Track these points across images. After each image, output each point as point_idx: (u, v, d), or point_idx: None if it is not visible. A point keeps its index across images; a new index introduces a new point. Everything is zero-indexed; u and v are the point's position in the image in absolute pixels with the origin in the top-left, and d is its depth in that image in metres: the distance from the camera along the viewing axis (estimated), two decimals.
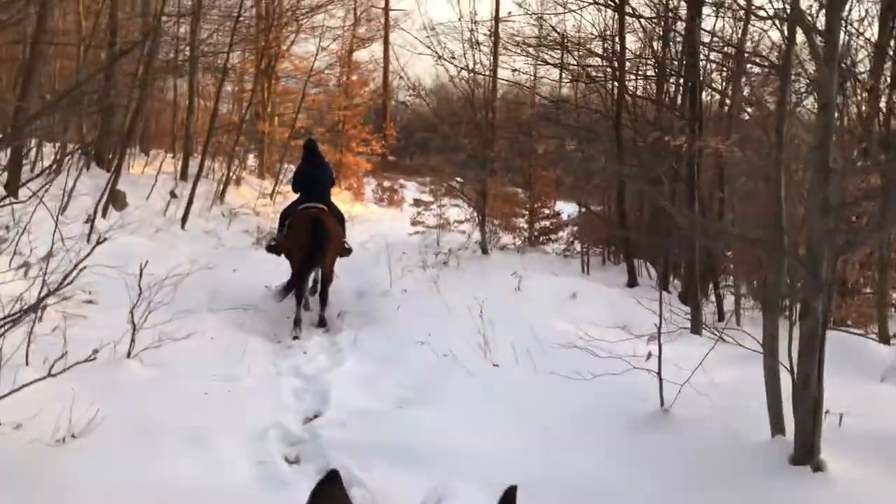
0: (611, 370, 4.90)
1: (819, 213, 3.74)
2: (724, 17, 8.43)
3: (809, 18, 3.90)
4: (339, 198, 17.58)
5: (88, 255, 3.91)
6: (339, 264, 8.77)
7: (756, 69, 7.01)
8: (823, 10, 3.84)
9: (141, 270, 5.68)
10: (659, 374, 4.80)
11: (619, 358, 4.92)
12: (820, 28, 3.94)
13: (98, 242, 3.95)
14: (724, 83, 11.13)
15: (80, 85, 5.53)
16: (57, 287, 3.67)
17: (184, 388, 5.10)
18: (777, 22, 4.20)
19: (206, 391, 5.14)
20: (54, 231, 4.40)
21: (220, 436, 4.46)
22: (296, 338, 7.27)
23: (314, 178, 8.60)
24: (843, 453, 3.83)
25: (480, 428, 4.85)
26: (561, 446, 4.60)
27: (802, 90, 4.41)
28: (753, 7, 4.18)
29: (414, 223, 14.69)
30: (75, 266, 3.75)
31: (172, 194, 14.04)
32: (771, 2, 4.75)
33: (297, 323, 7.50)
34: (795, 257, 3.96)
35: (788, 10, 4.13)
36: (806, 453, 3.80)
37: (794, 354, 4.19)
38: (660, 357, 4.84)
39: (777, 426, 4.17)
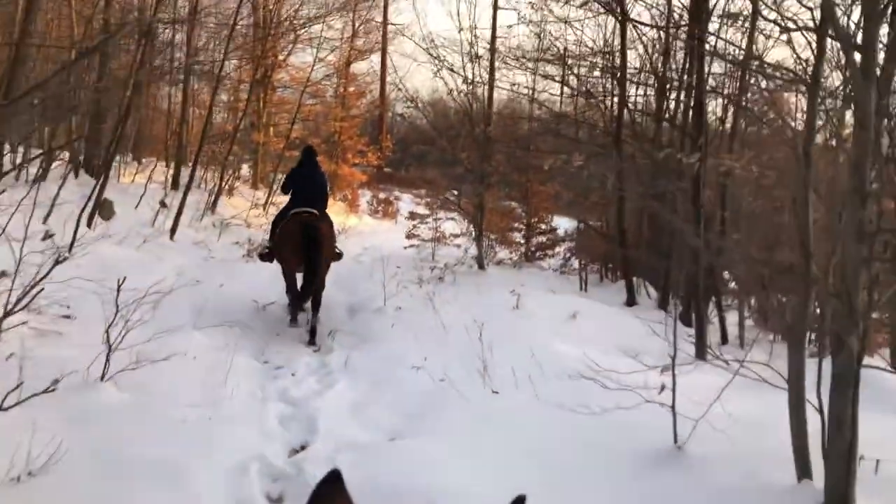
0: (620, 402, 4.57)
1: (854, 240, 3.43)
2: (727, 27, 8.09)
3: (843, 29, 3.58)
4: (334, 209, 17.27)
5: (46, 275, 3.57)
6: (331, 279, 8.44)
7: (764, 83, 6.66)
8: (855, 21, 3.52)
9: (119, 286, 5.31)
10: (673, 407, 4.46)
11: (630, 389, 4.59)
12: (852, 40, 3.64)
13: (57, 262, 3.60)
14: (725, 100, 10.89)
15: (47, 81, 5.19)
16: (6, 313, 3.31)
17: (160, 416, 4.73)
18: (805, 33, 3.89)
19: (184, 418, 4.76)
20: (22, 245, 4.04)
21: (196, 470, 4.09)
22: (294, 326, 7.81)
23: (308, 183, 8.28)
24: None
25: (478, 462, 4.51)
26: (565, 485, 4.26)
27: (822, 106, 4.10)
28: (782, 19, 3.86)
29: (409, 236, 14.41)
30: (31, 286, 3.40)
31: (162, 204, 13.70)
32: (782, 15, 4.46)
33: (294, 320, 7.84)
34: (828, 288, 3.63)
35: (818, 21, 3.84)
36: (839, 502, 3.46)
37: (818, 389, 3.88)
38: (674, 390, 4.51)
39: (804, 470, 3.84)
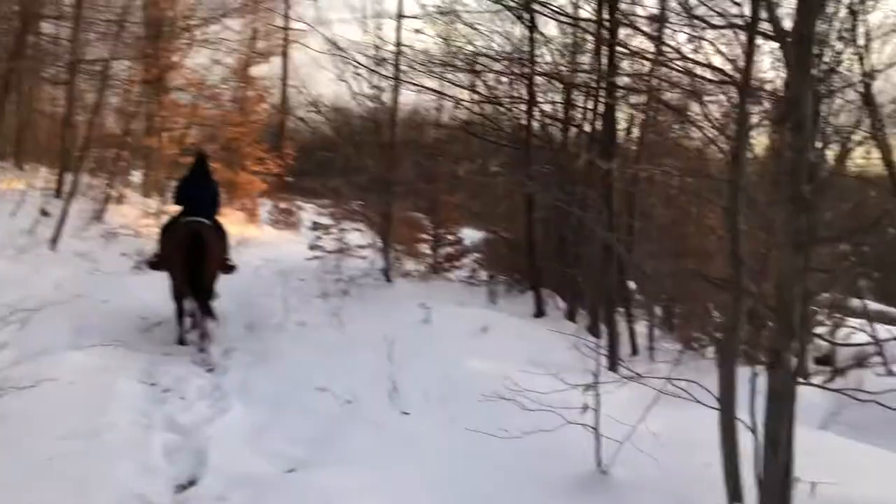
0: (540, 425, 4.27)
1: (790, 250, 3.22)
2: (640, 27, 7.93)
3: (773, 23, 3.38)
4: (232, 219, 16.57)
5: None
6: (228, 294, 7.90)
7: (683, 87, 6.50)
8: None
9: None
10: (596, 429, 4.19)
11: (551, 410, 4.29)
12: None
13: None
14: (635, 107, 10.85)
15: None
16: None
17: (25, 452, 4.15)
18: (735, 30, 3.70)
19: (53, 454, 4.19)
20: None
21: None
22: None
23: (198, 192, 7.90)
24: None
25: (388, 493, 4.14)
26: None
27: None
28: (707, 15, 3.66)
29: (312, 248, 13.85)
30: None
31: (44, 212, 12.72)
32: (690, 12, 4.28)
33: (182, 342, 7.35)
34: (761, 299, 3.42)
35: (750, 17, 3.64)
36: None
37: (752, 407, 3.67)
38: (597, 410, 4.24)
39: (735, 493, 3.61)
